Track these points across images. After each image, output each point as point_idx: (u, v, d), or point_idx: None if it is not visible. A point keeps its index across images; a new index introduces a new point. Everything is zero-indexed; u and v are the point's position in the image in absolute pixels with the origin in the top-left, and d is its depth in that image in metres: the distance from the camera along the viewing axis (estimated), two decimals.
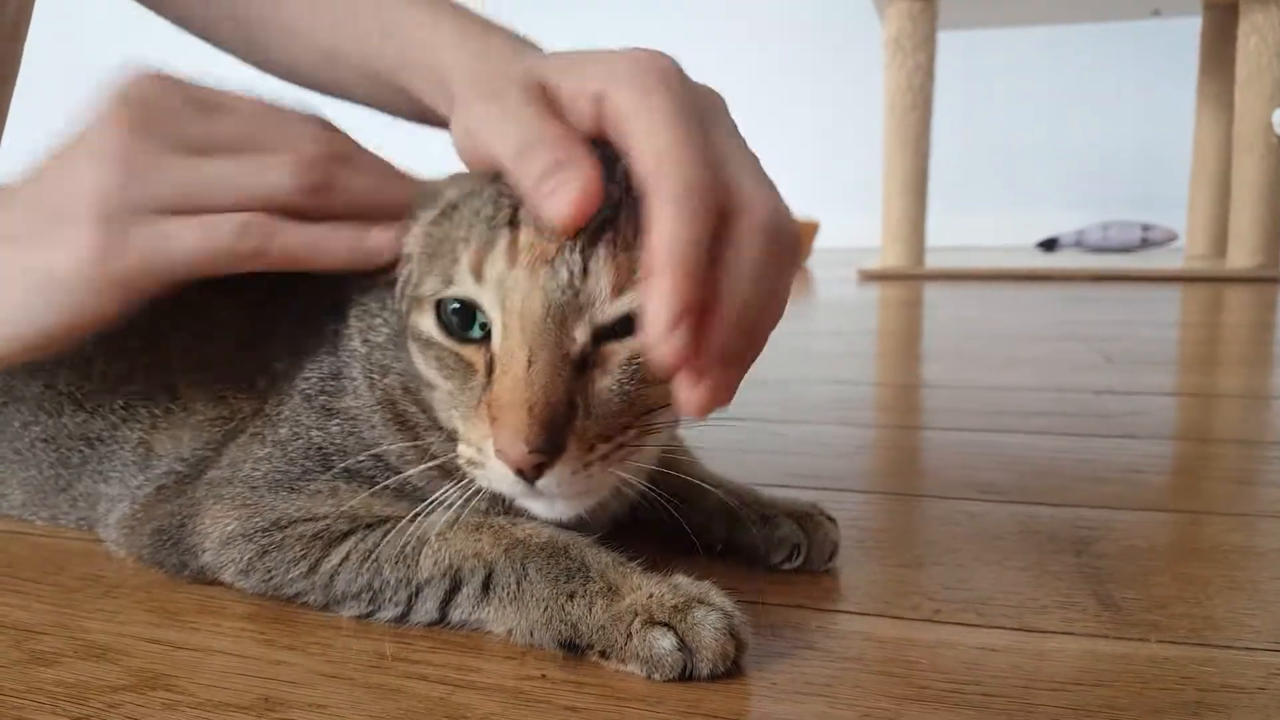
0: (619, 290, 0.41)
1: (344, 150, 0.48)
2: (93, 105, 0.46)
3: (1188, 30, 3.13)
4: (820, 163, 4.01)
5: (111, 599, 0.51)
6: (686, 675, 0.41)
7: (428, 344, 0.46)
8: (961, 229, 4.09)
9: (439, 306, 0.45)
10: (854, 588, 0.52)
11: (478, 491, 0.45)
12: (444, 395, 0.46)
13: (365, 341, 0.53)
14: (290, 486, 0.50)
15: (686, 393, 0.39)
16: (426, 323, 0.45)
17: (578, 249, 0.41)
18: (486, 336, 0.43)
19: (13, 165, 0.49)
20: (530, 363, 0.40)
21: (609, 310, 0.42)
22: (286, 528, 0.49)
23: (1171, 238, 3.56)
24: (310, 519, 0.49)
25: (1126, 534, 0.59)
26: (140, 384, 0.59)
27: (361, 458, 0.50)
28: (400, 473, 0.50)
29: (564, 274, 0.41)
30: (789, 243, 0.42)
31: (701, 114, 0.42)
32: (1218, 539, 0.59)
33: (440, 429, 0.49)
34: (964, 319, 1.87)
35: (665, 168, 0.39)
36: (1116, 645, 0.44)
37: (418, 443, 0.50)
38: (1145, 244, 3.58)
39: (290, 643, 0.45)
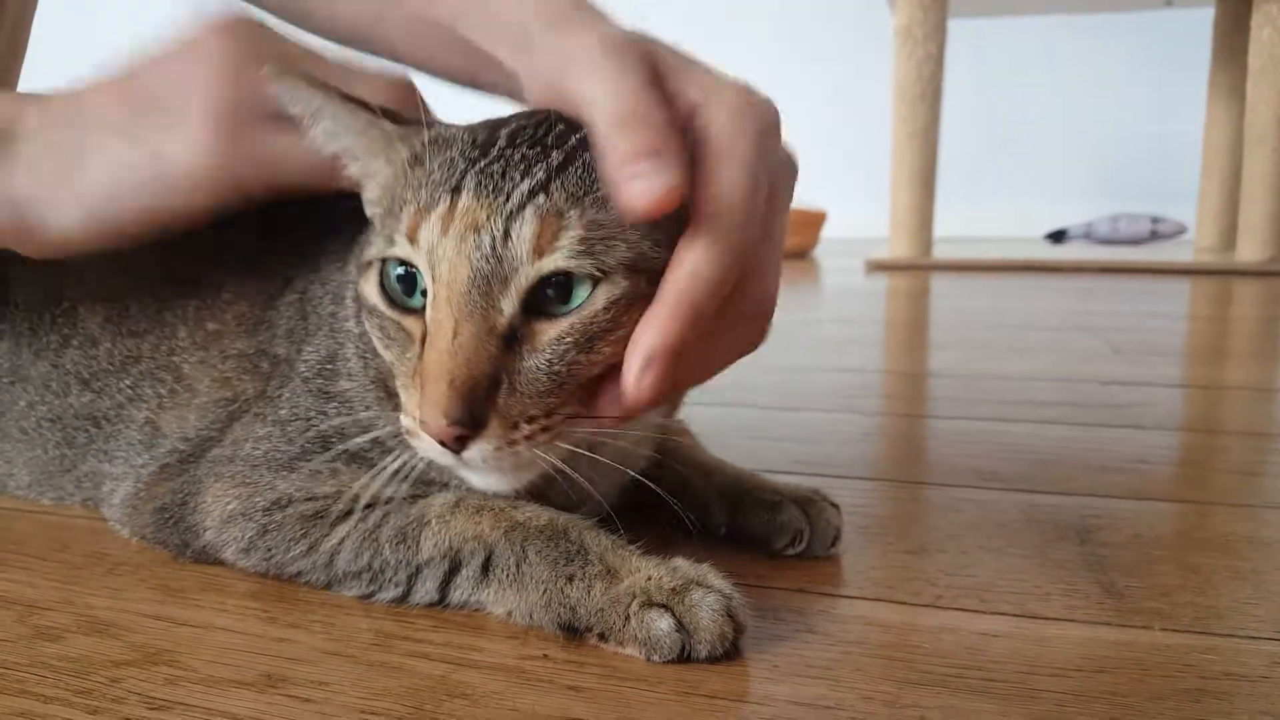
0: (540, 253, 0.40)
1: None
2: (186, 27, 0.47)
3: (1200, 21, 3.10)
4: (828, 152, 3.99)
5: (115, 576, 0.51)
6: (684, 657, 0.41)
7: (372, 312, 0.45)
8: (970, 220, 4.07)
9: (382, 272, 0.44)
10: (856, 573, 0.52)
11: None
12: (387, 366, 0.46)
13: (360, 321, 0.52)
14: (291, 466, 0.50)
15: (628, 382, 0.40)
16: (370, 289, 0.45)
17: (503, 215, 0.41)
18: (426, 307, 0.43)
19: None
20: (455, 334, 0.40)
21: (530, 273, 0.41)
22: (287, 507, 0.49)
23: (1181, 230, 3.54)
24: (310, 498, 0.49)
25: (1131, 523, 0.59)
26: (147, 364, 0.59)
27: (359, 439, 0.50)
28: (395, 451, 0.50)
29: (487, 241, 0.40)
30: (761, 326, 0.46)
31: (773, 179, 0.43)
32: (1222, 529, 0.58)
33: None
34: (971, 309, 1.86)
35: (722, 210, 0.40)
36: (1119, 632, 0.44)
37: None
38: (1154, 236, 3.57)
39: (293, 620, 0.45)
